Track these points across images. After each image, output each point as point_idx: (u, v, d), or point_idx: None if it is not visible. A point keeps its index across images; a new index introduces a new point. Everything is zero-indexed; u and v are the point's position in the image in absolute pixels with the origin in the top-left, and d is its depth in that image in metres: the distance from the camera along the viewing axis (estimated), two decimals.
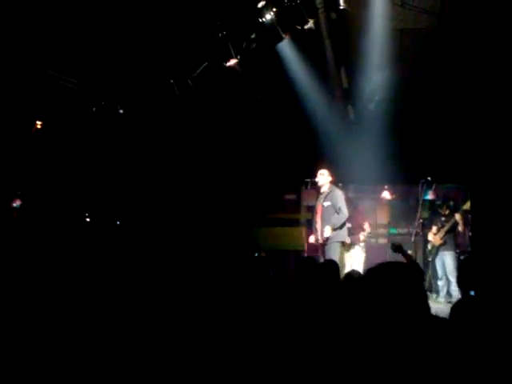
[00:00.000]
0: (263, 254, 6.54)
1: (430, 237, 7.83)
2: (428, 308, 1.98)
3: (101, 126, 8.10)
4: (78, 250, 7.95)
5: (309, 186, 8.19)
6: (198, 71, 6.76)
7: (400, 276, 1.97)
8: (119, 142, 8.78)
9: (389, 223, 8.79)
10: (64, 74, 6.96)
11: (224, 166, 9.47)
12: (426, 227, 7.90)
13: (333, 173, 7.27)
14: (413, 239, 7.25)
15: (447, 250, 7.60)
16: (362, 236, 7.90)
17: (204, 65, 6.71)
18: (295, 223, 9.37)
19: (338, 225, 6.79)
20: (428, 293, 7.78)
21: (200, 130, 8.83)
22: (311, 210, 9.24)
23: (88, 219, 9.96)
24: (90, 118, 7.85)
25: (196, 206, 9.45)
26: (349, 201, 7.55)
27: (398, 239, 8.22)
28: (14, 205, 8.37)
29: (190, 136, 8.98)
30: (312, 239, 7.10)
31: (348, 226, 7.17)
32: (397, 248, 4.10)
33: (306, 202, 9.21)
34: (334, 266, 3.97)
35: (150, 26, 6.21)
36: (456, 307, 2.24)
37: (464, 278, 4.50)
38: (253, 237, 9.15)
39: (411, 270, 2.01)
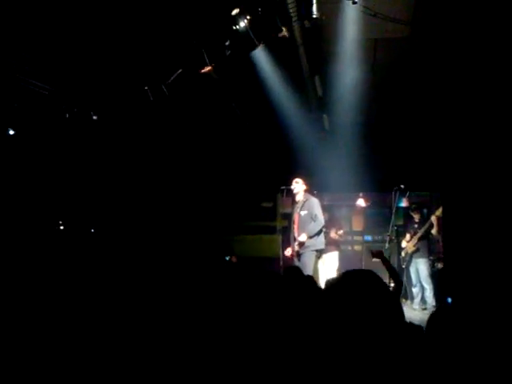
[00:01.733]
0: (234, 259, 6.49)
1: (404, 244, 7.90)
2: (402, 315, 1.97)
3: (74, 133, 7.99)
4: (50, 257, 7.81)
5: (285, 194, 8.19)
6: (173, 78, 6.72)
7: (368, 283, 1.96)
8: (93, 149, 8.68)
9: (363, 230, 8.85)
10: (35, 79, 6.86)
11: (200, 174, 9.44)
12: (400, 234, 7.98)
13: (308, 181, 7.32)
14: (387, 246, 7.30)
15: (421, 256, 7.68)
16: (336, 236, 7.94)
17: (178, 71, 6.67)
18: (271, 231, 9.37)
19: (314, 232, 6.80)
20: (403, 299, 7.85)
21: (175, 136, 8.79)
22: (287, 217, 9.28)
23: (62, 227, 9.81)
24: (63, 124, 7.74)
25: (172, 212, 9.38)
26: (324, 208, 7.59)
27: (372, 246, 8.28)
28: None
29: (165, 143, 8.93)
30: (288, 252, 7.10)
31: (324, 231, 7.21)
32: (376, 254, 4.07)
33: (282, 209, 9.21)
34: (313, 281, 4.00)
35: (124, 33, 6.17)
36: (433, 315, 2.23)
37: (442, 285, 4.57)
38: (227, 242, 9.10)
39: (379, 279, 1.99)
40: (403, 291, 7.74)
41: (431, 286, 7.47)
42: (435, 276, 7.69)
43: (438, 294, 7.32)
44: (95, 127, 7.84)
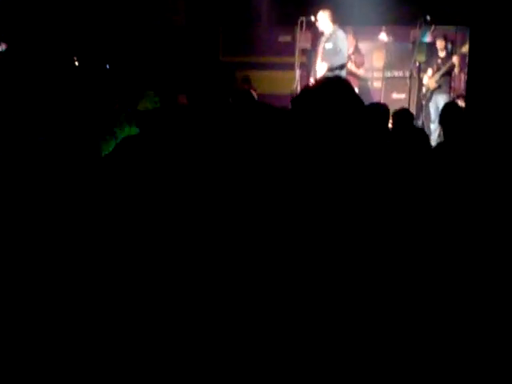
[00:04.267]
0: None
1: (425, 80, 7.78)
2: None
3: None
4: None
5: (304, 27, 7.85)
6: None
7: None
8: None
9: (384, 66, 8.64)
10: None
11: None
12: (422, 71, 7.82)
13: (333, 13, 6.96)
14: (408, 82, 7.22)
15: (441, 93, 7.61)
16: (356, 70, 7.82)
17: None
18: (289, 67, 9.16)
19: (335, 66, 6.67)
20: None
21: None
22: (306, 53, 9.01)
23: (76, 63, 9.65)
24: None
25: None
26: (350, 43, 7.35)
27: (393, 82, 8.19)
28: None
29: None
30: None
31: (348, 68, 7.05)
32: None
33: (301, 44, 8.90)
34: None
35: None
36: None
37: (447, 119, 4.63)
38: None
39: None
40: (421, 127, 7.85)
41: None
42: None
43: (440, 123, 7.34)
44: None
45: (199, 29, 9.78)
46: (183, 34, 9.70)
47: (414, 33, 8.11)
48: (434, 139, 7.94)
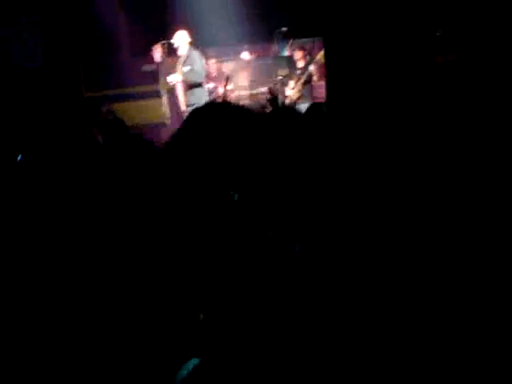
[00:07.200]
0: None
1: (288, 92, 7.93)
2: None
3: None
4: None
5: (165, 51, 7.74)
6: None
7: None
8: None
9: (249, 84, 8.73)
10: None
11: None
12: (283, 84, 7.98)
13: (191, 34, 6.96)
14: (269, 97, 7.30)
15: (304, 102, 7.74)
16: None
17: None
18: (156, 94, 8.94)
19: (194, 84, 6.59)
20: None
21: None
22: None
23: None
24: None
25: None
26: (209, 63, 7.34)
27: (259, 98, 8.26)
28: None
29: None
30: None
31: (213, 87, 7.02)
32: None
33: (165, 70, 8.74)
34: None
35: None
36: None
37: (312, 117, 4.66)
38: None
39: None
40: None
41: None
42: None
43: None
44: None
45: (59, 67, 9.31)
46: (42, 75, 9.18)
47: (274, 48, 8.29)
48: None
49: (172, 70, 8.58)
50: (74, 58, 9.46)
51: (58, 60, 9.34)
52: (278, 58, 7.69)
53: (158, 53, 7.88)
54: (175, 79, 6.61)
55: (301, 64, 7.85)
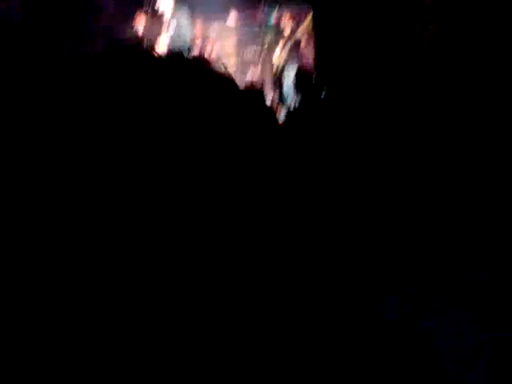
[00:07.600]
0: None
1: (274, 59, 7.88)
2: None
3: None
4: None
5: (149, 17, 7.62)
6: None
7: None
8: None
9: (236, 51, 8.65)
10: None
11: None
12: (270, 51, 7.93)
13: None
14: (259, 66, 7.26)
15: (291, 67, 7.70)
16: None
17: None
18: None
19: (180, 49, 6.49)
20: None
21: None
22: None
23: None
24: None
25: None
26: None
27: (245, 65, 8.19)
28: None
29: None
30: None
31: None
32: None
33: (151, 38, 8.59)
34: None
35: None
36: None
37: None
38: None
39: None
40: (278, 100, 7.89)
41: None
42: None
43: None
44: None
45: (39, 32, 9.09)
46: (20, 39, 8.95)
47: (260, 16, 8.22)
48: (288, 107, 7.99)
49: (157, 36, 8.50)
50: (56, 24, 9.24)
51: (38, 25, 9.13)
52: (265, 26, 7.60)
53: (142, 19, 7.74)
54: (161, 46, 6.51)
55: (287, 31, 7.79)
